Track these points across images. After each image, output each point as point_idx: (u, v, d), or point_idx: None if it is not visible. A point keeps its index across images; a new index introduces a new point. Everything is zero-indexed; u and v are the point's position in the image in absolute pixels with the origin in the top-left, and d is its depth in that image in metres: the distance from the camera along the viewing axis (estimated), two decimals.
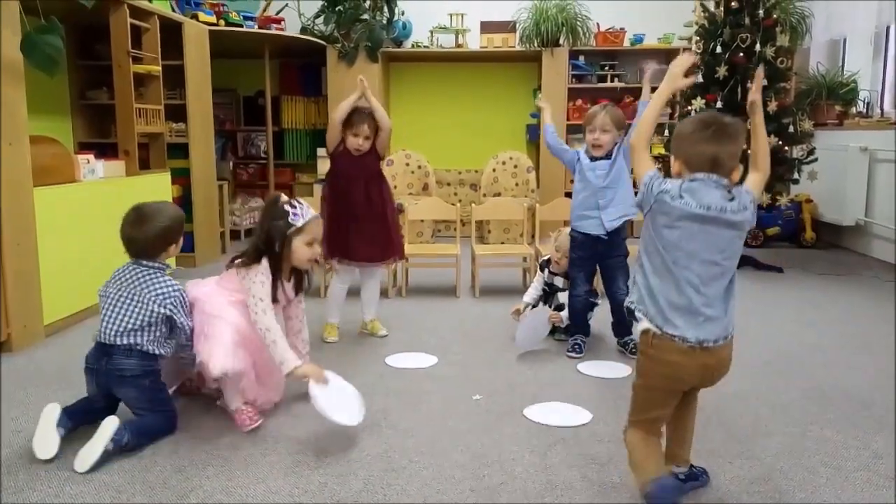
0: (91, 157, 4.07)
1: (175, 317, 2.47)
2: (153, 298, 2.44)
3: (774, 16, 5.10)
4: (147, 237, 2.48)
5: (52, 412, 2.32)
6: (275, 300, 2.57)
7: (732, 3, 5.03)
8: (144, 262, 2.50)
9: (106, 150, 4.74)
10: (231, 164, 7.00)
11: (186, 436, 2.43)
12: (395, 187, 6.58)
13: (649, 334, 1.86)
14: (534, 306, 3.61)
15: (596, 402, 2.73)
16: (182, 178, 5.18)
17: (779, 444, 2.39)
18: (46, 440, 2.26)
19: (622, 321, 3.38)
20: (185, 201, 5.25)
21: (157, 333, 2.45)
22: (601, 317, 3.50)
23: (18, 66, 3.30)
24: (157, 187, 4.72)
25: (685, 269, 1.82)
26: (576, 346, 3.32)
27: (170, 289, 2.48)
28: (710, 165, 1.83)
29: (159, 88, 4.80)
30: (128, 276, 2.49)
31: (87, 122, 5.25)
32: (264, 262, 2.54)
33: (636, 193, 1.97)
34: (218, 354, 2.39)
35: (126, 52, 4.36)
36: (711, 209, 1.80)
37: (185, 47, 5.10)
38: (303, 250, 2.61)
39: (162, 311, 2.44)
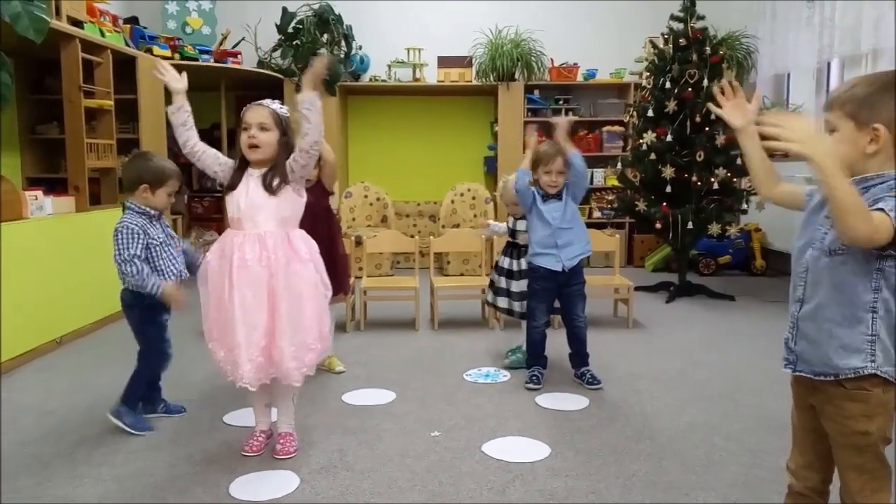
0: (40, 192, 3.98)
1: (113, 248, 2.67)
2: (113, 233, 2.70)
3: (721, 52, 5.30)
4: (126, 171, 2.79)
5: None
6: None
7: (681, 41, 5.21)
8: (123, 203, 2.76)
9: (56, 186, 4.64)
10: (186, 197, 6.91)
11: (139, 482, 2.35)
12: (354, 219, 6.58)
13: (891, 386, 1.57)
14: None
15: (554, 436, 2.74)
16: None
17: (733, 474, 2.41)
18: None
19: (580, 352, 3.41)
20: None
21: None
22: (558, 346, 3.52)
23: None
24: (108, 223, 4.57)
25: None
26: (534, 378, 3.33)
27: (117, 223, 2.70)
28: None
29: (111, 123, 4.73)
30: None
31: (36, 157, 5.13)
32: None
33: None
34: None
35: (78, 86, 4.30)
36: None
37: (139, 81, 5.06)
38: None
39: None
